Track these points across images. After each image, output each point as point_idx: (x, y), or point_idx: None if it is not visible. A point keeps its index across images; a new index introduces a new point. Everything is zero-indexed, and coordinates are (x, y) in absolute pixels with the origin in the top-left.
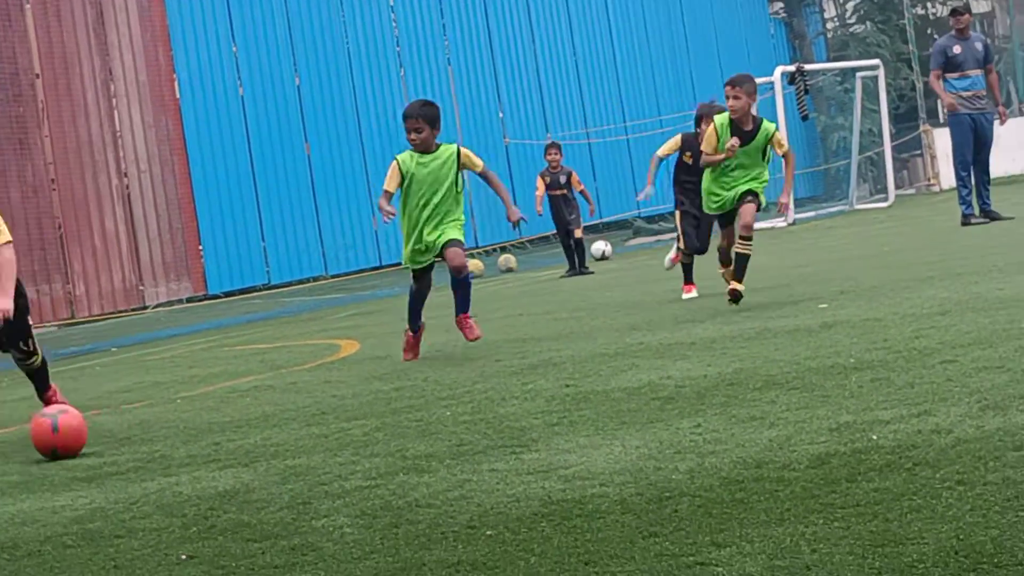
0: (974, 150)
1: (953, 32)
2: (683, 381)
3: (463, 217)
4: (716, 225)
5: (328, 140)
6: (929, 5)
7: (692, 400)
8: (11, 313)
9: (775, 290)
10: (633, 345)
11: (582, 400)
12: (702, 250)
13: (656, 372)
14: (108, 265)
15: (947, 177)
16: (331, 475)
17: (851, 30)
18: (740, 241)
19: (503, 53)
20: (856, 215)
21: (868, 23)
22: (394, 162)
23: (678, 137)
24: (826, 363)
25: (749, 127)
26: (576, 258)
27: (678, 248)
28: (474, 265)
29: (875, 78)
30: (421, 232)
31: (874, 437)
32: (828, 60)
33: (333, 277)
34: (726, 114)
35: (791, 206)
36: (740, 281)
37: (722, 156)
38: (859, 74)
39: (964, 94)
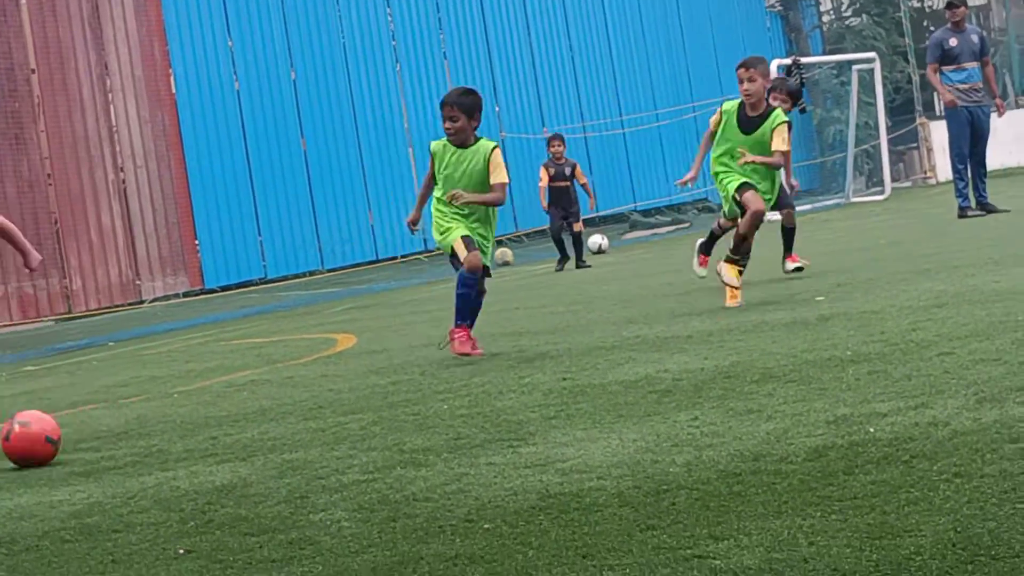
0: (971, 143)
1: (949, 25)
2: (680, 374)
3: (495, 226)
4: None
5: (324, 135)
6: None
7: (689, 393)
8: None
9: (772, 283)
10: (630, 338)
11: (579, 393)
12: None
13: (653, 365)
14: (104, 260)
15: (943, 170)
16: (328, 469)
17: (847, 23)
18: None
19: (499, 47)
20: (852, 208)
21: (864, 16)
22: (431, 151)
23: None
24: (823, 356)
25: (759, 112)
26: (575, 251)
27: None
28: (507, 254)
29: (871, 71)
30: (454, 224)
31: (871, 430)
32: (824, 53)
33: (329, 271)
34: (735, 100)
35: (796, 184)
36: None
37: (698, 163)
38: (855, 67)
39: (961, 87)
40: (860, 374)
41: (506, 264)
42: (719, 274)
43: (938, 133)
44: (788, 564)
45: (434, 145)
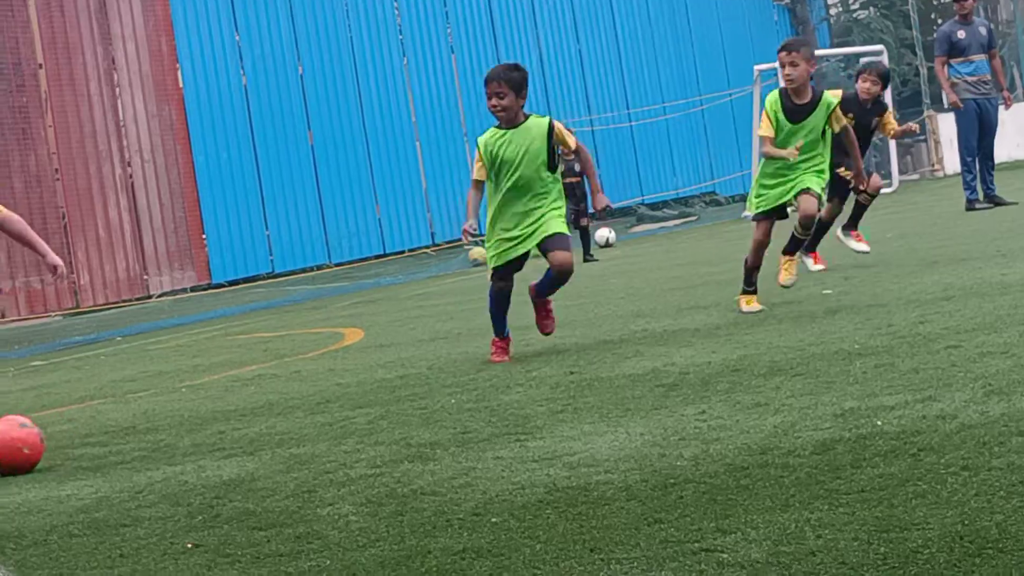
0: (978, 135)
1: (957, 17)
2: (687, 368)
3: (563, 202)
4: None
5: (331, 129)
6: None
7: (696, 387)
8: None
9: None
10: (637, 332)
11: (586, 387)
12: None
13: (660, 359)
14: (112, 255)
15: (951, 162)
16: (335, 463)
17: (855, 16)
18: (798, 228)
19: (506, 41)
20: None
21: (871, 9)
22: (478, 148)
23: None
24: (830, 349)
25: (805, 100)
26: (582, 245)
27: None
28: (479, 253)
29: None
30: (511, 221)
31: (878, 423)
32: (831, 46)
33: (337, 265)
34: (775, 92)
35: (875, 174)
36: (789, 255)
37: (784, 153)
38: (863, 60)
39: (968, 79)
40: (867, 367)
41: None
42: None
43: (946, 126)
44: (795, 557)
45: (484, 139)
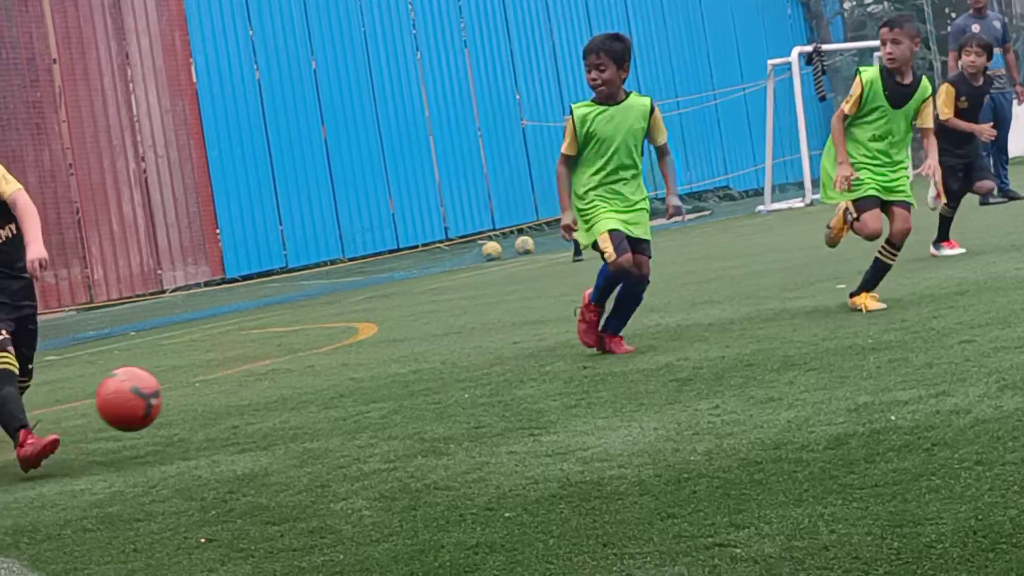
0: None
1: (971, 11)
2: (701, 363)
3: (647, 196)
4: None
5: (345, 123)
6: None
7: (710, 381)
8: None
9: (793, 270)
10: (651, 327)
11: (600, 382)
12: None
13: (674, 354)
14: (126, 249)
15: None
16: (349, 458)
17: (868, 10)
18: (886, 248)
19: (520, 35)
20: None
21: (885, 3)
22: (568, 117)
23: (945, 86)
24: (844, 344)
25: (908, 80)
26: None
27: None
28: (492, 247)
29: None
30: (602, 208)
31: (892, 418)
32: (845, 40)
33: (350, 260)
34: (874, 68)
35: (940, 190)
36: (867, 292)
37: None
38: (876, 54)
39: None
40: (881, 362)
41: (527, 253)
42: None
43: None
44: (808, 552)
45: (580, 111)
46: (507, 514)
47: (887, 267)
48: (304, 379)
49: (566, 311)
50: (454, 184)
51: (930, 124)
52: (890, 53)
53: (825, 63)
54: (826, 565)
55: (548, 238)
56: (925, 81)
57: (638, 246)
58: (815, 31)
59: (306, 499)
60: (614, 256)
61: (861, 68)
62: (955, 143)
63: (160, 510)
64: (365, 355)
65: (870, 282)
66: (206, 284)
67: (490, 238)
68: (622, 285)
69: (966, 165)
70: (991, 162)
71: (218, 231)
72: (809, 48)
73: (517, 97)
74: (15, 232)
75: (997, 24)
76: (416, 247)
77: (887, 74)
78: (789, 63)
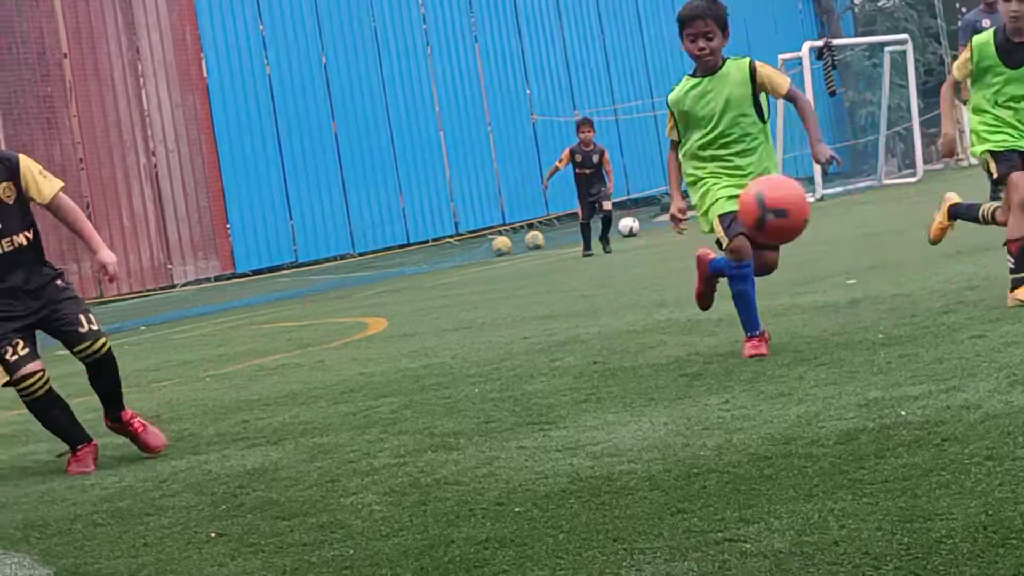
0: None
1: (982, 6)
2: (711, 357)
3: (775, 160)
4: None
5: (355, 118)
6: None
7: (720, 376)
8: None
9: (803, 265)
10: (661, 322)
11: (609, 377)
12: None
13: (684, 348)
14: (136, 244)
15: None
16: (359, 453)
17: (879, 5)
18: None
19: (530, 30)
20: (884, 190)
21: None
22: (668, 105)
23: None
24: (854, 339)
25: None
26: (602, 231)
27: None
28: (502, 242)
29: (903, 53)
30: (714, 188)
31: (902, 413)
32: (856, 35)
33: (360, 255)
34: (988, 32)
35: None
36: None
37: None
38: (887, 49)
39: None
40: (891, 357)
41: (537, 247)
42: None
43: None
44: (818, 547)
45: (673, 95)
46: (517, 509)
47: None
48: (314, 374)
49: (576, 306)
50: (464, 179)
51: None
52: (1014, 12)
53: (836, 58)
54: (836, 560)
55: (558, 233)
56: None
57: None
58: (826, 26)
59: (316, 494)
60: (727, 240)
61: (975, 37)
62: None
63: (170, 504)
64: (375, 350)
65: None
66: (216, 279)
67: (500, 233)
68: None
69: None
70: None
71: (228, 226)
72: (820, 43)
73: (528, 92)
74: (31, 239)
75: None
76: (426, 242)
77: (999, 35)
78: (800, 58)
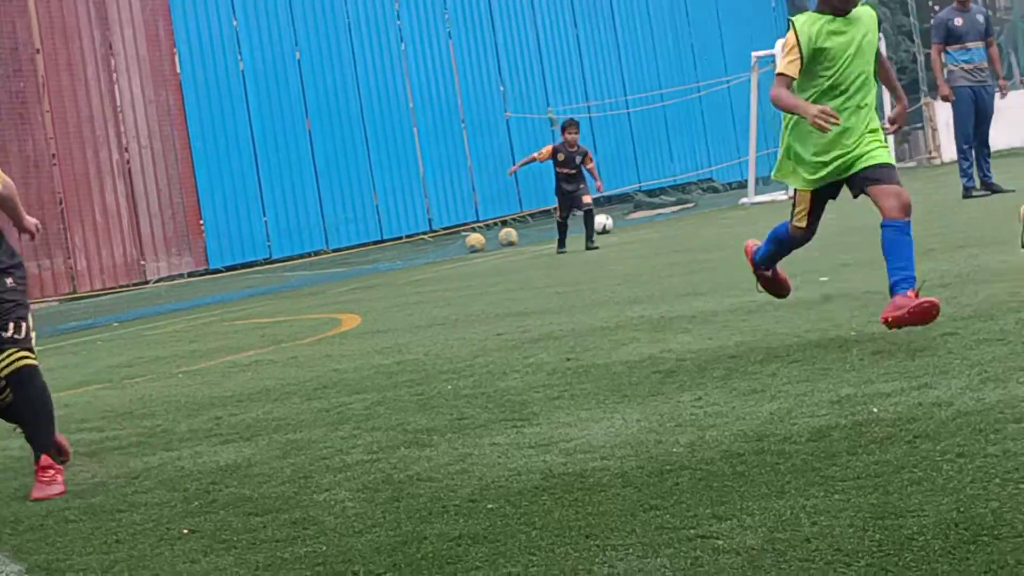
0: (975, 123)
1: (955, 4)
2: (684, 355)
3: (879, 126)
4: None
5: (329, 114)
6: None
7: (693, 373)
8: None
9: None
10: (634, 318)
11: (583, 374)
12: None
13: (657, 345)
14: (109, 240)
15: (948, 150)
16: (332, 449)
17: None
18: None
19: (504, 26)
20: None
21: None
22: (791, 32)
23: None
24: (827, 336)
25: None
26: (585, 231)
27: None
28: (476, 239)
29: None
30: (822, 140)
31: (874, 410)
32: None
33: (334, 251)
34: None
35: None
36: None
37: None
38: None
39: (965, 66)
40: (864, 354)
41: (511, 244)
42: None
43: (943, 113)
44: (791, 544)
45: (802, 22)
46: (490, 505)
47: None
48: (287, 370)
49: (550, 303)
50: (438, 175)
51: None
52: None
53: None
54: (808, 557)
55: (532, 230)
56: None
57: (883, 174)
58: None
59: (289, 490)
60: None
61: None
62: None
63: (143, 501)
64: (348, 346)
65: None
66: (189, 275)
67: (474, 230)
68: (883, 231)
69: None
70: (975, 156)
71: (202, 222)
72: None
73: (501, 89)
74: None
75: (980, 18)
76: (400, 238)
77: None
78: (773, 55)
